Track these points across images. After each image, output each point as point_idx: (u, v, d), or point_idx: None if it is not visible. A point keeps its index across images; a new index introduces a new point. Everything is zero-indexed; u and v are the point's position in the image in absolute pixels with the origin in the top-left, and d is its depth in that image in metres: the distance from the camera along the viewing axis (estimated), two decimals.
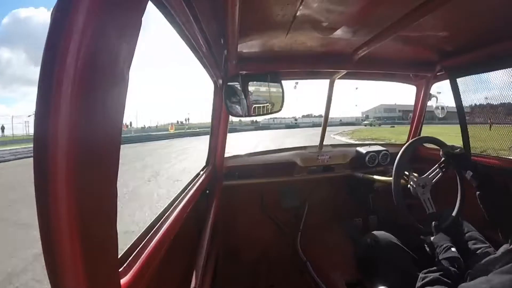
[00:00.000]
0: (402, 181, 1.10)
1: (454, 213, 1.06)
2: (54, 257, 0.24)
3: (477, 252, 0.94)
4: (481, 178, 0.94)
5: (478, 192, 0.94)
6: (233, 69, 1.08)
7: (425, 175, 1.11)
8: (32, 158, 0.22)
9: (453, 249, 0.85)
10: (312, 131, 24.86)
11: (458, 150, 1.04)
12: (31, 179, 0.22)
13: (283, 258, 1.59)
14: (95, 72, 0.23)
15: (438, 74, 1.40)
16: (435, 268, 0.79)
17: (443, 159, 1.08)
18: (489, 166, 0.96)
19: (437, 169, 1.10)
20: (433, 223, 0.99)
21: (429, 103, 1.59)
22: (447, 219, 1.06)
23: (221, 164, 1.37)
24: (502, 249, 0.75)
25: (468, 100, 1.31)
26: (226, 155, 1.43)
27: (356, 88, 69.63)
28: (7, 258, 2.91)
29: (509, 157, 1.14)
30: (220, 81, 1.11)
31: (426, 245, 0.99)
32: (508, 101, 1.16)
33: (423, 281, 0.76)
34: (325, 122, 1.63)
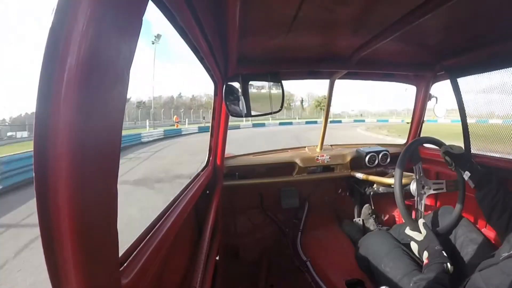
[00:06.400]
0: (403, 180, 1.11)
1: (453, 215, 1.06)
2: (54, 257, 0.24)
3: (475, 255, 0.92)
4: (480, 179, 0.94)
5: (476, 193, 0.94)
6: (233, 69, 1.08)
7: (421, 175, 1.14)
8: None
9: (443, 253, 0.83)
10: None
11: (457, 150, 1.04)
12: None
13: (283, 258, 1.59)
14: (95, 72, 0.23)
15: (438, 74, 1.41)
16: (427, 275, 0.76)
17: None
18: (488, 166, 0.96)
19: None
20: (421, 221, 0.97)
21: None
22: (446, 221, 1.06)
23: (221, 164, 1.37)
24: (504, 255, 0.71)
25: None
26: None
27: None
28: None
29: (510, 157, 1.14)
30: (220, 81, 1.11)
31: (413, 245, 0.96)
32: None
33: None
34: (325, 122, 1.64)
